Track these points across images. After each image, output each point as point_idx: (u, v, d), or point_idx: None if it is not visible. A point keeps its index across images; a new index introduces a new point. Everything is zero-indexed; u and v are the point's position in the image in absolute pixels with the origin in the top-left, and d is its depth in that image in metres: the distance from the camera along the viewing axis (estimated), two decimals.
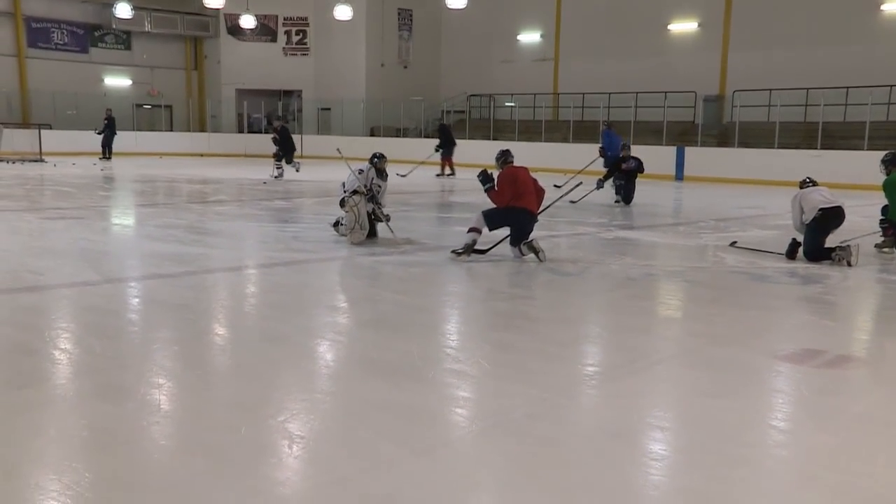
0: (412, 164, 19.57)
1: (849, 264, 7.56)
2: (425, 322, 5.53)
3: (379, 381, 4.09)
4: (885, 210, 8.50)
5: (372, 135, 28.33)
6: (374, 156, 8.98)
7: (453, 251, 7.71)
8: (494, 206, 7.82)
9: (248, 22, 27.23)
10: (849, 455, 3.25)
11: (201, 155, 28.32)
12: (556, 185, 12.34)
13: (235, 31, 29.65)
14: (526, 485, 2.96)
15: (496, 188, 7.84)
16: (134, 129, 28.24)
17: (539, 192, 8.00)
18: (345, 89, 29.20)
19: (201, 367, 4.38)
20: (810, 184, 8.21)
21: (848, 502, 2.84)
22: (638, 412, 3.75)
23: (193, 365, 4.38)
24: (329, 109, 30.01)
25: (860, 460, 3.20)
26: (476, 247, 7.77)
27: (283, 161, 17.75)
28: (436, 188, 16.91)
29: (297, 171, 17.78)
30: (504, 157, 8.02)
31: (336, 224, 9.05)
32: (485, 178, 7.99)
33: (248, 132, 29.91)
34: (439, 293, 6.65)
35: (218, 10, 27.77)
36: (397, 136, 27.56)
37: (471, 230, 7.76)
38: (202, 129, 31.06)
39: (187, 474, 2.99)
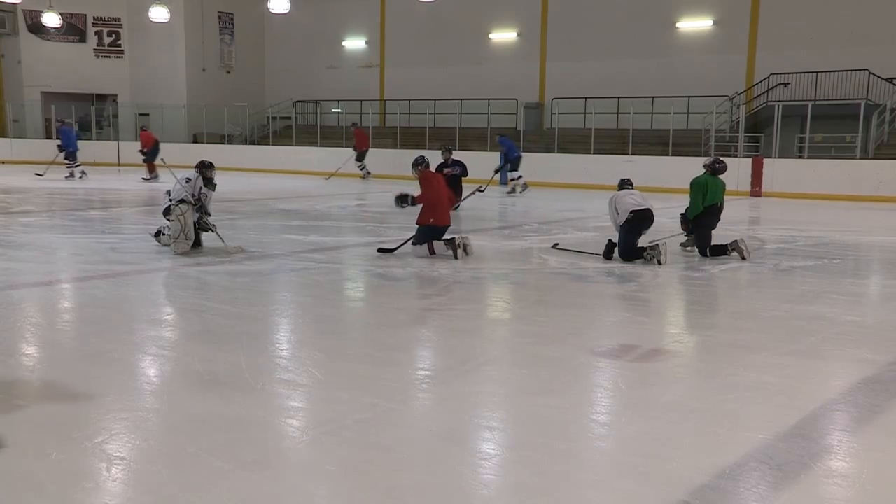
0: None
1: (659, 263, 8.09)
2: (254, 332, 5.40)
3: (206, 394, 3.96)
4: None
5: (195, 141, 27.34)
6: (203, 164, 8.66)
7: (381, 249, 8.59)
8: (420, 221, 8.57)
9: (51, 20, 25.35)
10: (659, 442, 3.48)
11: (2, 162, 26.28)
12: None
13: (37, 29, 27.60)
14: (358, 491, 2.96)
15: (417, 196, 8.62)
16: None
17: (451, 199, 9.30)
18: (165, 94, 28.01)
19: (3, 390, 4.06)
20: (626, 186, 8.71)
21: (657, 485, 3.04)
22: (468, 413, 3.85)
23: None
24: (148, 115, 28.65)
25: (668, 446, 3.43)
26: (384, 245, 8.70)
27: None
28: (262, 196, 16.56)
29: None
30: (423, 162, 8.91)
31: (158, 234, 8.67)
32: (402, 199, 8.85)
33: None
34: (268, 302, 6.52)
35: (14, 5, 25.74)
36: (221, 143, 26.78)
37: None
38: (2, 135, 28.80)
39: None
